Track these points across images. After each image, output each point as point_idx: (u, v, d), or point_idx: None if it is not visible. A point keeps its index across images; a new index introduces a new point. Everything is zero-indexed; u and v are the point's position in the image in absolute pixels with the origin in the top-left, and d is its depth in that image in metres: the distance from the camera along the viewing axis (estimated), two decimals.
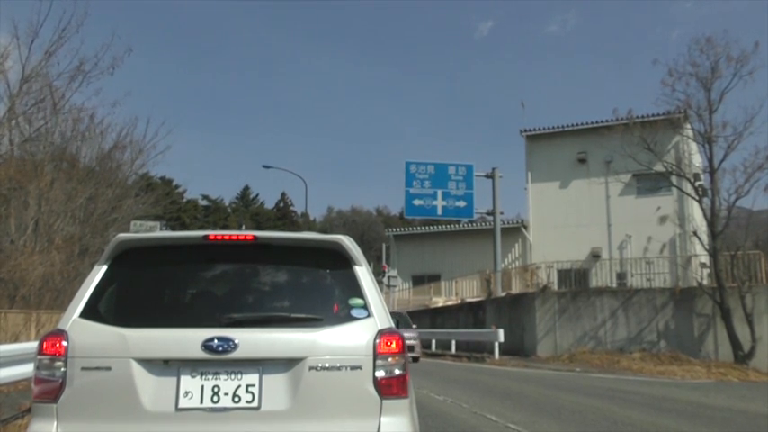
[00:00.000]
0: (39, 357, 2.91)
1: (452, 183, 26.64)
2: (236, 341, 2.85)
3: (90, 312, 3.00)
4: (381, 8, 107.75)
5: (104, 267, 3.17)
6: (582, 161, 28.09)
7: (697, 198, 18.38)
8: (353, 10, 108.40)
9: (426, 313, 27.10)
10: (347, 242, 3.23)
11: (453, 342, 21.35)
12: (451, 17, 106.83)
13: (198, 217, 59.57)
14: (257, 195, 71.12)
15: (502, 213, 27.31)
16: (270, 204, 71.47)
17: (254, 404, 2.83)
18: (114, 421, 2.80)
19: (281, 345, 2.92)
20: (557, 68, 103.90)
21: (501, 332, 18.62)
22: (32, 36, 17.08)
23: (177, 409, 2.80)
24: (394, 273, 30.95)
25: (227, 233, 3.22)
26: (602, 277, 22.61)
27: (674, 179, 19.68)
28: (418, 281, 32.22)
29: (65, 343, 2.89)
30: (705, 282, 18.73)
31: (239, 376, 2.87)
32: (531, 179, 29.28)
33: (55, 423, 2.82)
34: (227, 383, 2.85)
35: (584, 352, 17.99)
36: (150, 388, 2.82)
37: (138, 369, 2.83)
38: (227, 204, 68.03)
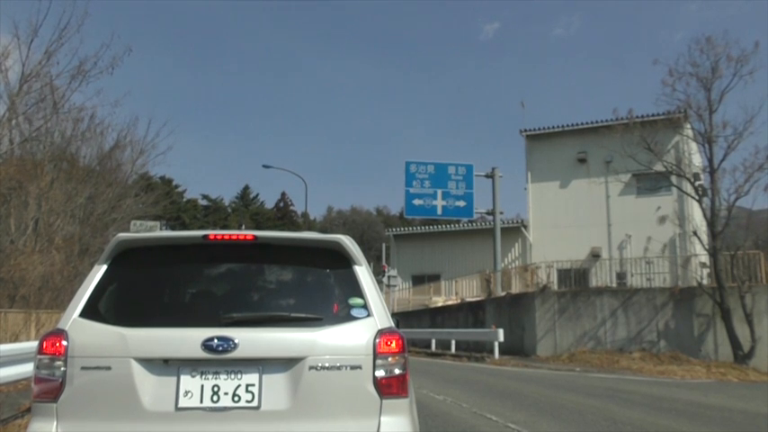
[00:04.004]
0: (39, 357, 2.91)
1: (452, 182, 26.64)
2: (236, 341, 2.85)
3: (90, 312, 3.00)
4: (385, 9, 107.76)
5: (104, 267, 3.17)
6: (582, 161, 28.08)
7: (697, 198, 18.35)
8: (356, 10, 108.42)
9: (426, 313, 27.08)
10: (347, 242, 3.23)
11: (453, 342, 21.32)
12: (457, 19, 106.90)
13: (198, 217, 59.62)
14: (257, 195, 71.20)
15: (502, 213, 27.32)
16: (270, 204, 71.58)
17: (254, 404, 2.83)
18: (114, 421, 2.80)
19: (280, 344, 2.92)
20: (558, 69, 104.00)
21: (501, 332, 18.60)
22: (32, 35, 17.05)
23: (177, 408, 2.80)
24: (394, 272, 30.93)
25: (226, 233, 3.21)
26: (601, 277, 22.60)
27: (673, 179, 19.66)
28: (418, 281, 32.20)
29: (65, 342, 2.89)
30: (705, 282, 18.70)
31: (239, 376, 2.87)
32: (531, 179, 29.27)
33: (55, 423, 2.82)
34: (226, 383, 2.85)
35: (584, 352, 17.98)
36: (150, 387, 2.82)
37: (137, 369, 2.83)
38: (227, 204, 68.08)
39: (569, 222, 27.51)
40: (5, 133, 17.24)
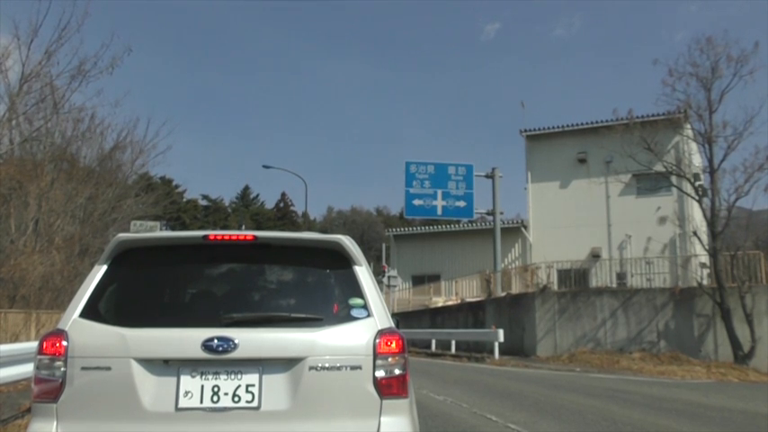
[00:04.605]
0: (39, 357, 2.91)
1: (452, 183, 26.65)
2: (236, 341, 2.84)
3: (90, 312, 3.00)
4: (385, 9, 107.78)
5: (104, 267, 3.16)
6: (582, 161, 28.09)
7: (697, 198, 18.36)
8: (356, 11, 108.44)
9: (426, 313, 27.08)
10: (347, 242, 3.23)
11: (453, 342, 21.31)
12: (458, 19, 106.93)
13: (198, 217, 59.62)
14: (257, 195, 71.22)
15: (502, 213, 27.32)
16: (270, 204, 71.58)
17: (254, 404, 2.83)
18: (114, 421, 2.80)
19: (281, 345, 2.91)
20: (558, 69, 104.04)
21: (501, 332, 18.59)
22: (32, 35, 17.05)
23: (177, 408, 2.80)
24: (394, 273, 30.92)
25: (226, 233, 3.21)
26: (602, 277, 22.60)
27: (674, 179, 19.67)
28: (418, 281, 32.19)
29: (65, 343, 2.89)
30: (705, 282, 18.70)
31: (239, 376, 2.87)
32: (531, 179, 29.27)
33: (55, 423, 2.82)
34: (227, 383, 2.85)
35: (584, 352, 17.97)
36: (150, 388, 2.82)
37: (138, 369, 2.83)
38: (227, 204, 68.09)
39: (569, 222, 27.51)
40: (5, 133, 17.24)
